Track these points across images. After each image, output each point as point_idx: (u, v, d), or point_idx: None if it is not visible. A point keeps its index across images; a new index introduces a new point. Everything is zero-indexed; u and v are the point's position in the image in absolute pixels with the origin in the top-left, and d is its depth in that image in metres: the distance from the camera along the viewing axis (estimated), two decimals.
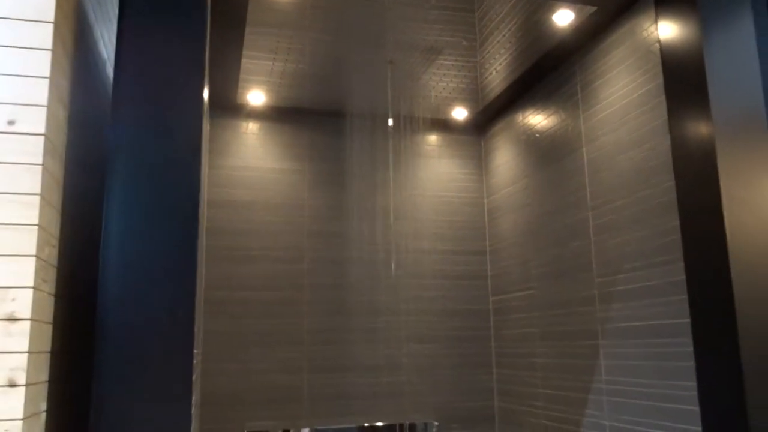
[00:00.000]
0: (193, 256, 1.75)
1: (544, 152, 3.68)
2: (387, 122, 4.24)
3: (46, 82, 1.54)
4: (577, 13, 3.03)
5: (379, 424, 3.91)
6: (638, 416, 2.78)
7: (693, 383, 2.45)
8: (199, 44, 1.87)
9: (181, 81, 1.84)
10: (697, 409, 2.42)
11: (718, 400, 2.33)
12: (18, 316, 1.43)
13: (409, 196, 4.26)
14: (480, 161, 4.46)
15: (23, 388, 1.41)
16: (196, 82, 1.85)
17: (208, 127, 3.59)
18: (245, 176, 4.01)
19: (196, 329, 1.77)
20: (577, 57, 3.36)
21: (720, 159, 2.25)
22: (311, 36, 3.30)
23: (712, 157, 2.29)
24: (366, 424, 3.89)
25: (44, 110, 1.53)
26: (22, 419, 1.39)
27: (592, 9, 2.97)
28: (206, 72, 1.94)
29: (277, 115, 4.13)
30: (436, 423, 4.02)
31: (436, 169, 4.36)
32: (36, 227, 1.47)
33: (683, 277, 2.51)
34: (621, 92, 3.01)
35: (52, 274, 1.61)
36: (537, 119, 3.77)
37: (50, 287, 1.60)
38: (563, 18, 3.08)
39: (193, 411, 1.74)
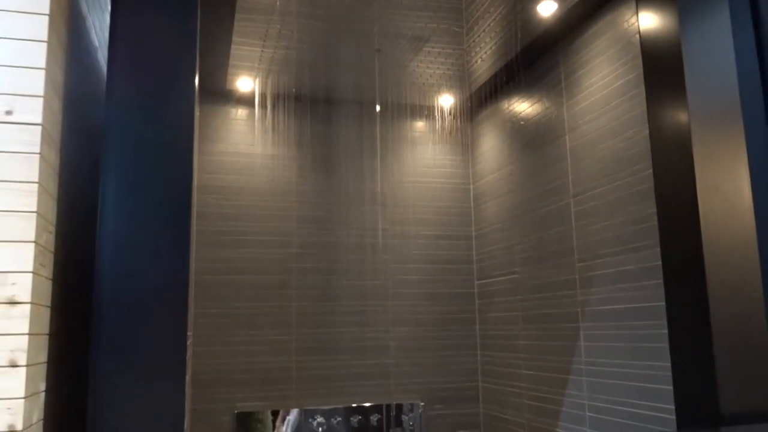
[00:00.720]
0: (186, 239, 1.81)
1: (528, 139, 3.75)
2: (375, 109, 4.29)
3: (42, 72, 1.59)
4: (560, 4, 3.09)
5: (367, 404, 4.01)
6: (616, 395, 2.88)
7: (667, 363, 2.55)
8: (191, 28, 1.92)
9: (173, 66, 1.89)
10: (670, 388, 2.53)
11: (690, 379, 2.43)
12: (18, 299, 1.49)
13: (396, 182, 4.32)
14: (466, 148, 4.53)
15: (24, 369, 1.47)
16: (188, 66, 1.90)
17: (198, 113, 3.63)
18: (234, 162, 4.05)
19: (188, 311, 1.83)
20: (561, 46, 3.42)
21: (695, 148, 2.33)
22: (300, 22, 3.34)
23: (688, 146, 2.36)
24: (353, 405, 3.99)
25: (41, 100, 1.57)
26: (23, 398, 1.46)
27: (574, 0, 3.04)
28: (197, 57, 1.99)
29: (266, 101, 4.16)
30: (422, 403, 4.12)
31: (423, 155, 4.42)
32: (34, 214, 1.53)
33: (659, 262, 2.61)
34: (602, 82, 3.08)
35: (49, 259, 1.66)
36: (522, 107, 3.83)
37: (48, 272, 1.65)
38: (547, 8, 3.14)
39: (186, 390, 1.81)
